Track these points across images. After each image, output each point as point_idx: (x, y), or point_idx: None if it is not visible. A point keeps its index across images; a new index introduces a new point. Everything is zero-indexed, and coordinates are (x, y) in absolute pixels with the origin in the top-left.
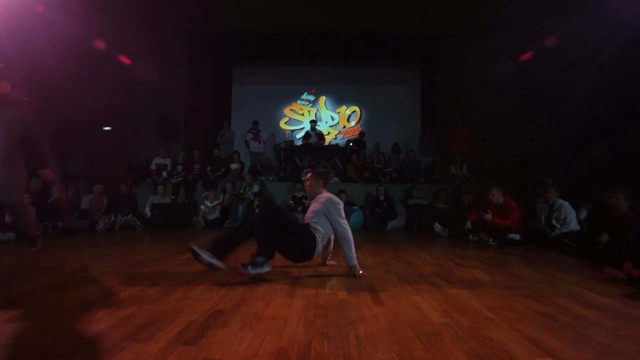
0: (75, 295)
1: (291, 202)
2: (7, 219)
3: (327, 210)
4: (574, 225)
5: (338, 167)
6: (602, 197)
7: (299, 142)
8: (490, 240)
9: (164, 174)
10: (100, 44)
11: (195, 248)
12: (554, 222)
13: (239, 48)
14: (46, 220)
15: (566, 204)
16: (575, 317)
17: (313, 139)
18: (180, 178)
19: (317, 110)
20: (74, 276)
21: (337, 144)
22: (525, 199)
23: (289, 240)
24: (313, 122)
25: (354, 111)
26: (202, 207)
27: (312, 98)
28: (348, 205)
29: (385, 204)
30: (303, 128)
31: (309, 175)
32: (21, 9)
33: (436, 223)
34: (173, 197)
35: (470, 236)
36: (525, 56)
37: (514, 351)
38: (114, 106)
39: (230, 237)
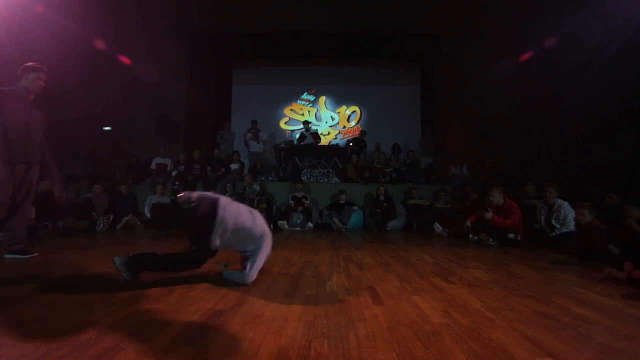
0: (75, 295)
1: (291, 202)
2: None
3: None
4: (573, 225)
5: (338, 167)
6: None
7: None
8: (490, 240)
9: (174, 173)
10: (100, 44)
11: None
12: (553, 222)
13: (239, 48)
14: (46, 220)
15: (566, 204)
16: (575, 317)
17: (308, 140)
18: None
19: (317, 110)
20: (74, 276)
21: (337, 144)
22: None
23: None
24: (306, 123)
25: (354, 111)
26: None
27: (312, 98)
28: (348, 205)
29: (385, 204)
30: (303, 128)
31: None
32: (21, 9)
33: (436, 223)
34: (173, 197)
35: (470, 236)
36: (525, 56)
37: (514, 351)
38: (114, 106)
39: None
